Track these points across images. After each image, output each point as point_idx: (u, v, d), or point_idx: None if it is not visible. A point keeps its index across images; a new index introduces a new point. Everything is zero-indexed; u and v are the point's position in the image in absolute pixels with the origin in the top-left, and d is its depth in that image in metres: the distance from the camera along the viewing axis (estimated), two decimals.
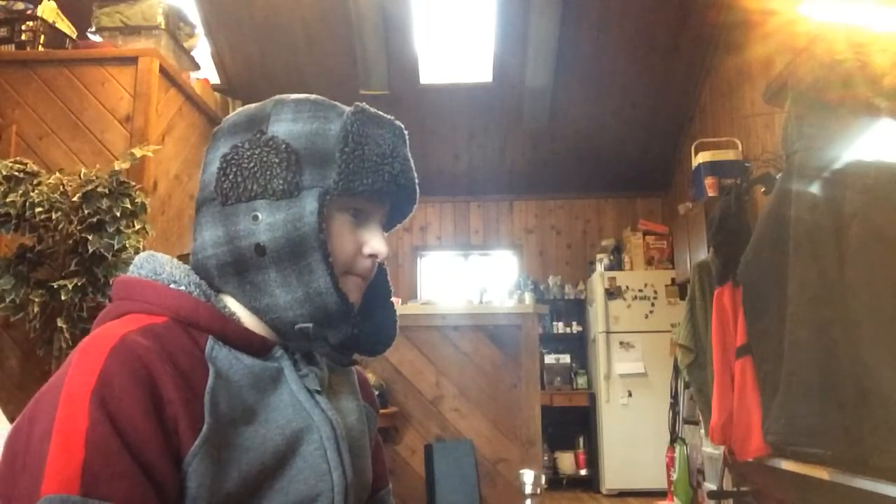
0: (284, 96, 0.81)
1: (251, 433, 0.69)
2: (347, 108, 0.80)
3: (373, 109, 0.81)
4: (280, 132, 0.76)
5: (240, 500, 0.67)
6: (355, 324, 0.78)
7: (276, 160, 0.74)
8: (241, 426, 0.69)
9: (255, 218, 0.74)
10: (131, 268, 0.78)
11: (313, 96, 0.81)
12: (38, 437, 0.60)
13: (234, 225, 0.75)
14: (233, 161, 0.76)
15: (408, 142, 0.83)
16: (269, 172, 0.74)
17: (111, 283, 0.78)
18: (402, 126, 0.83)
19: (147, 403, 0.62)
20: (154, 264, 0.77)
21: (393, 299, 0.88)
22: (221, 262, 0.76)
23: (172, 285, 0.74)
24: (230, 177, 0.76)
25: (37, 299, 2.78)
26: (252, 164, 0.75)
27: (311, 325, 0.75)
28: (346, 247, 0.78)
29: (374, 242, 0.80)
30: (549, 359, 5.79)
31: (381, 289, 0.86)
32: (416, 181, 0.83)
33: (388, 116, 0.82)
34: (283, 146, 0.75)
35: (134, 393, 0.62)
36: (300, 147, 0.75)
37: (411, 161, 0.82)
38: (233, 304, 0.77)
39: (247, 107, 0.82)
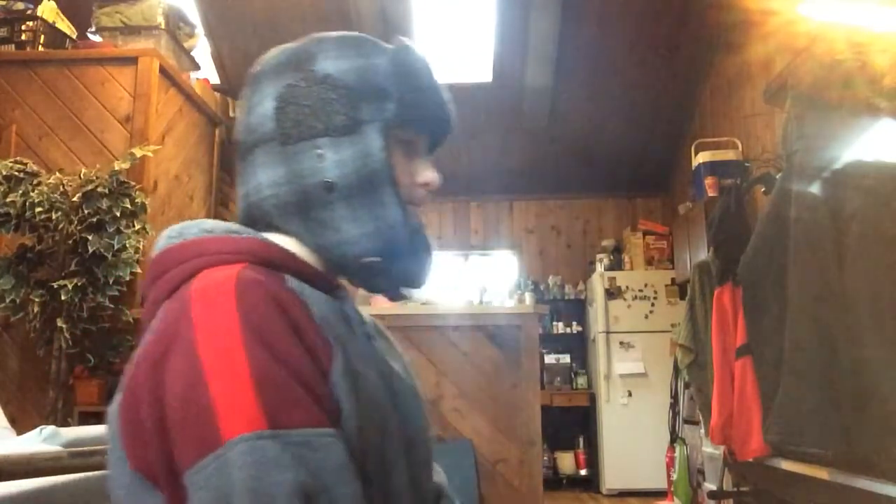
0: (321, 34, 0.81)
1: (357, 358, 0.68)
2: (387, 44, 0.81)
3: (410, 42, 0.82)
4: (331, 69, 0.77)
5: (378, 428, 0.67)
6: (418, 256, 0.81)
7: (335, 96, 0.75)
8: (350, 352, 0.68)
9: (320, 156, 0.74)
10: (164, 241, 0.73)
11: (350, 33, 0.82)
12: (184, 393, 0.57)
13: (298, 164, 0.75)
14: (291, 99, 0.76)
15: None
16: (329, 109, 0.75)
17: (152, 262, 0.73)
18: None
19: (289, 329, 0.62)
20: (200, 226, 0.74)
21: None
22: (283, 201, 0.75)
23: (233, 235, 0.73)
24: (290, 115, 0.75)
25: (37, 299, 2.79)
26: (312, 102, 0.75)
27: (378, 258, 0.76)
28: (404, 178, 0.79)
29: (428, 172, 0.82)
30: (549, 359, 5.79)
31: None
32: (454, 114, 0.85)
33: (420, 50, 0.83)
34: (339, 82, 0.76)
35: (279, 321, 0.61)
36: (353, 82, 0.76)
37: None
38: (287, 244, 0.76)
39: (283, 47, 0.82)
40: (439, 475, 0.91)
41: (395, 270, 0.79)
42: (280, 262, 0.72)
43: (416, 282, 0.84)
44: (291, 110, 0.75)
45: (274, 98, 0.77)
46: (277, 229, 0.77)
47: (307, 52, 0.79)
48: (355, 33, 0.82)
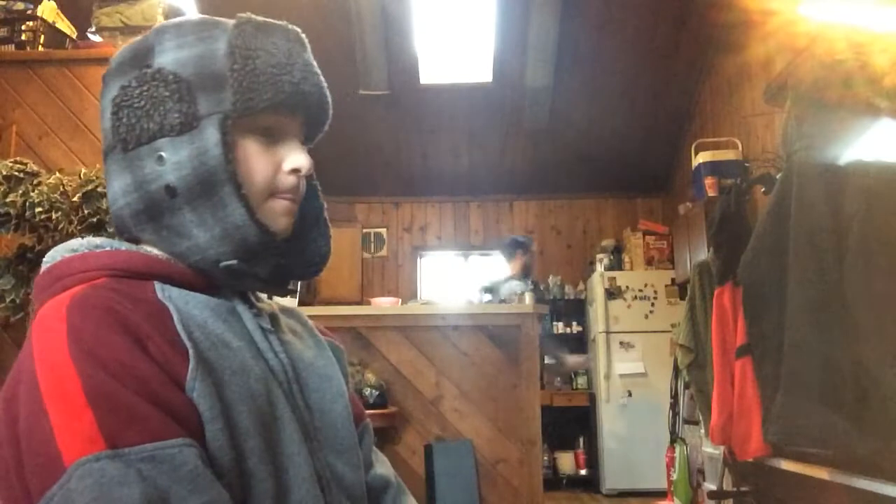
0: (167, 22, 0.76)
1: (232, 356, 0.67)
2: (231, 22, 0.75)
3: (260, 18, 0.76)
4: (166, 62, 0.71)
5: (259, 423, 0.65)
6: (281, 252, 0.76)
7: (167, 93, 0.70)
8: (221, 349, 0.66)
9: (160, 159, 0.69)
10: (42, 268, 0.72)
11: (196, 17, 0.76)
12: (28, 423, 0.56)
13: (141, 170, 0.70)
14: (123, 103, 0.71)
15: (308, 46, 0.78)
16: (162, 107, 0.70)
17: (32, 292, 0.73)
18: (298, 30, 0.78)
19: (128, 341, 0.59)
20: (67, 247, 0.72)
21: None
22: (134, 210, 0.72)
23: (97, 250, 0.71)
24: (124, 120, 0.71)
25: None
26: (143, 103, 0.70)
27: (235, 262, 0.71)
28: (262, 168, 0.73)
29: (293, 157, 0.75)
30: (550, 359, 5.79)
31: (311, 207, 0.81)
32: (325, 86, 0.78)
33: (280, 22, 0.77)
34: (171, 76, 0.70)
35: (110, 335, 0.59)
36: (189, 74, 0.71)
37: (314, 65, 0.77)
38: (156, 252, 0.73)
39: (131, 42, 0.77)
40: (384, 466, 0.89)
41: (261, 270, 0.74)
42: (146, 271, 0.69)
43: (296, 276, 0.81)
44: (125, 114, 0.71)
45: (111, 102, 0.72)
46: (137, 240, 0.74)
47: (146, 47, 0.73)
48: (199, 16, 0.75)
